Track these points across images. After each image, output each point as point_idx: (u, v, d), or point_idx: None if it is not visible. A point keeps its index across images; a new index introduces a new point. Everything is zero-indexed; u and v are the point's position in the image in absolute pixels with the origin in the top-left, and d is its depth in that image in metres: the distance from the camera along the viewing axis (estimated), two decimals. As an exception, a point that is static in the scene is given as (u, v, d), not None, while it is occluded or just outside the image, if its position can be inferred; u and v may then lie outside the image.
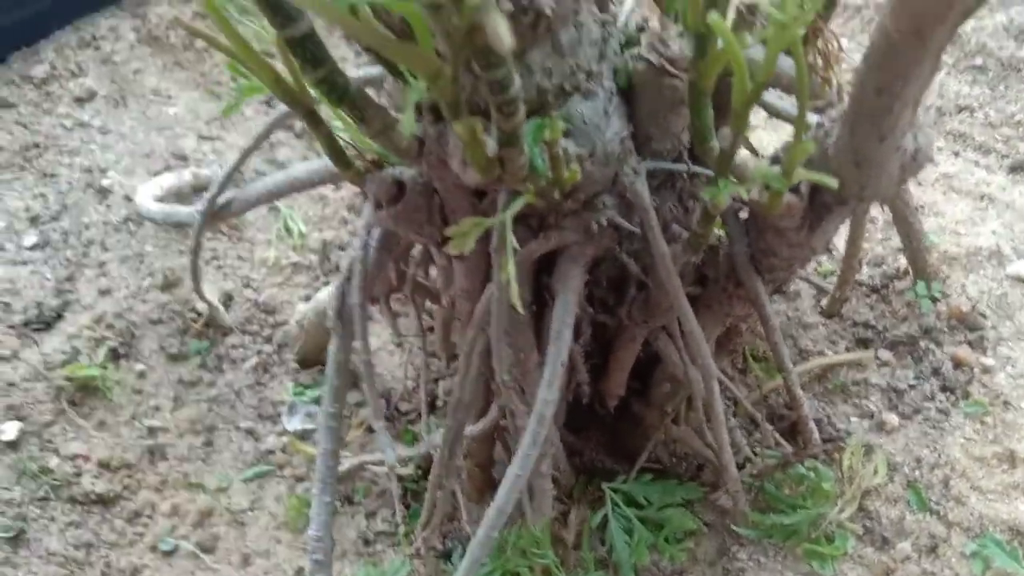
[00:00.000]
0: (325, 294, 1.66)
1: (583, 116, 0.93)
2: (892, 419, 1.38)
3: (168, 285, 1.77)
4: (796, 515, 1.25)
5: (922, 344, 1.46)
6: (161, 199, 1.72)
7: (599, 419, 1.39)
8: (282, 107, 1.32)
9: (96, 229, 1.86)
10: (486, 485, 1.42)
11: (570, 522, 1.33)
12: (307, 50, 0.75)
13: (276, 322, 1.76)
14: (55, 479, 1.49)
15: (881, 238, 1.65)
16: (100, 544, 1.44)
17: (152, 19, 2.32)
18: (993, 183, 1.79)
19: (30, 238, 1.85)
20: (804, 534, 1.25)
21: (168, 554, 1.43)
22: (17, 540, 1.42)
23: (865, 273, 1.59)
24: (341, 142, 0.97)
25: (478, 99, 0.86)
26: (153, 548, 1.44)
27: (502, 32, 0.59)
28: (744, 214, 1.10)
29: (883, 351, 1.48)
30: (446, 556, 1.37)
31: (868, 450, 1.34)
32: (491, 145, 0.81)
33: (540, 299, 1.11)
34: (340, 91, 0.80)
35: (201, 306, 1.71)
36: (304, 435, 1.59)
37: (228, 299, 1.78)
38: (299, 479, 1.53)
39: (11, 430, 1.54)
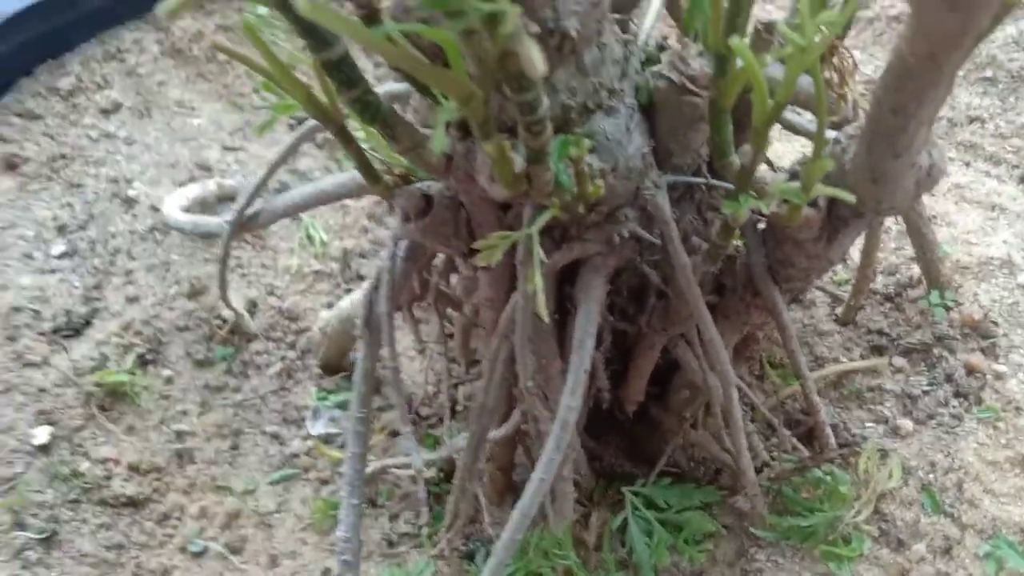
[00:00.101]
0: (347, 301, 1.68)
1: (606, 132, 0.95)
2: (906, 424, 1.39)
3: (194, 293, 1.79)
4: (813, 517, 1.26)
5: (935, 351, 1.47)
6: (187, 209, 1.74)
7: (618, 424, 1.40)
8: (309, 122, 1.36)
9: (123, 238, 1.88)
10: (507, 488, 1.43)
11: (591, 524, 1.34)
12: (342, 72, 0.78)
13: (299, 329, 1.78)
14: (86, 482, 1.50)
15: (894, 248, 1.66)
16: (131, 545, 1.45)
17: (176, 32, 2.33)
18: (1004, 193, 1.79)
19: (58, 247, 1.87)
20: (821, 536, 1.27)
21: (197, 555, 1.45)
22: (50, 541, 1.44)
23: (879, 282, 1.60)
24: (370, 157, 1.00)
25: (505, 118, 0.89)
26: (183, 549, 1.45)
27: (536, 59, 0.61)
28: (762, 225, 1.12)
29: (897, 358, 1.49)
30: (469, 557, 1.38)
31: (883, 454, 1.35)
32: (519, 162, 0.84)
33: (563, 308, 1.13)
34: (373, 110, 0.83)
35: (227, 313, 1.73)
36: (328, 439, 1.61)
37: (252, 306, 1.80)
38: (324, 482, 1.55)
39: (42, 434, 1.56)
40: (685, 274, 1.05)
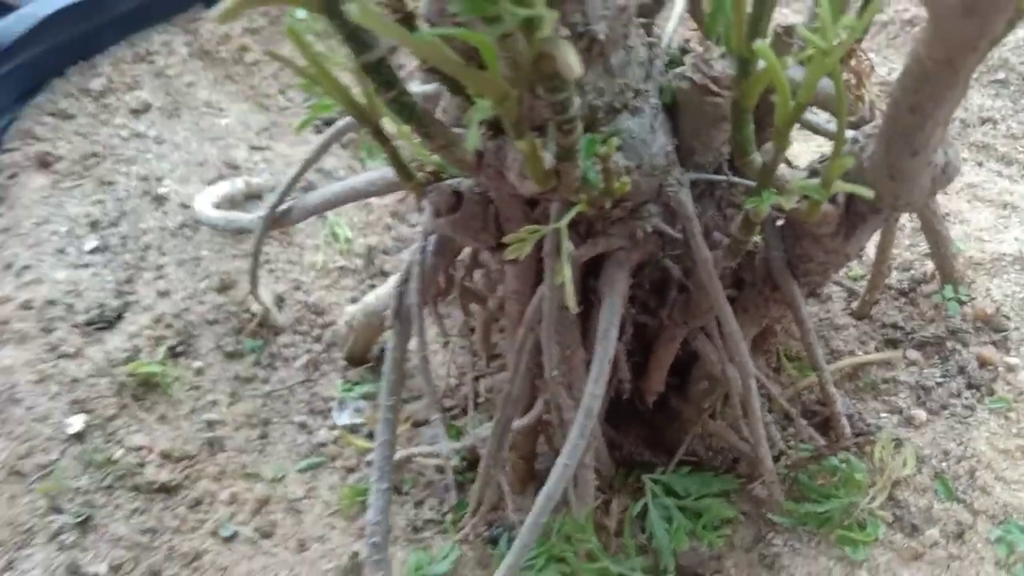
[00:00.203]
0: (371, 296, 1.70)
1: (631, 131, 0.98)
2: (920, 415, 1.41)
3: (224, 287, 1.82)
4: (829, 504, 1.28)
5: (948, 344, 1.48)
6: (216, 206, 1.76)
7: (639, 414, 1.42)
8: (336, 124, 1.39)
9: (153, 234, 1.91)
10: (529, 477, 1.45)
11: (612, 511, 1.36)
12: (381, 74, 0.80)
13: (325, 322, 1.80)
14: (120, 469, 1.52)
15: (909, 244, 1.68)
16: (163, 530, 1.47)
17: (204, 34, 2.36)
18: (1016, 192, 1.81)
19: (90, 243, 1.90)
20: (837, 521, 1.28)
21: (228, 539, 1.46)
22: (85, 525, 1.46)
23: (894, 277, 1.61)
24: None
25: (535, 117, 0.91)
26: (214, 533, 1.47)
27: (572, 61, 0.64)
28: (781, 222, 1.15)
29: (911, 351, 1.51)
30: (493, 542, 1.40)
31: (898, 444, 1.37)
32: (548, 159, 0.87)
33: (587, 301, 1.16)
34: (409, 110, 0.85)
35: (255, 307, 1.75)
36: (353, 429, 1.63)
37: (280, 301, 1.83)
38: (350, 470, 1.57)
39: (77, 423, 1.58)
40: (706, 268, 1.08)
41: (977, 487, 1.32)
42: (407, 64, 2.24)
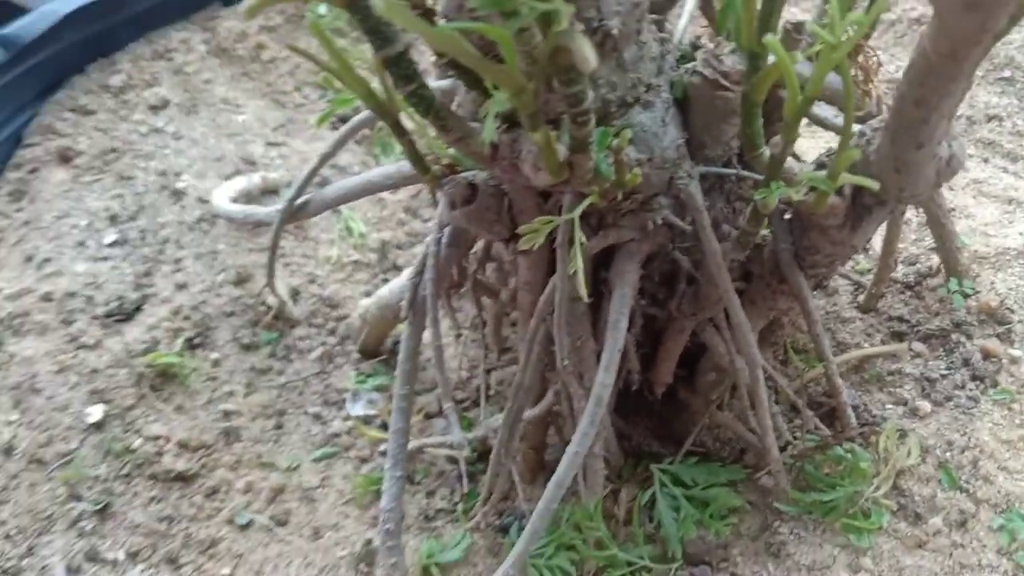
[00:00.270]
0: (385, 290, 1.71)
1: (643, 125, 0.99)
2: (925, 406, 1.42)
3: (240, 280, 1.83)
4: (834, 493, 1.29)
5: (953, 337, 1.49)
6: (234, 200, 1.78)
7: (647, 405, 1.43)
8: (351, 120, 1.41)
9: (171, 228, 1.92)
10: (539, 467, 1.46)
11: (620, 500, 1.37)
12: (401, 67, 0.82)
13: (339, 316, 1.81)
14: (138, 458, 1.54)
15: (915, 239, 1.69)
16: (180, 517, 1.48)
17: (221, 32, 2.38)
18: (1021, 188, 1.81)
19: (110, 236, 1.91)
20: (842, 510, 1.30)
21: (244, 527, 1.48)
22: (104, 513, 1.48)
23: (900, 271, 1.62)
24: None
25: (548, 110, 0.93)
26: (230, 521, 1.48)
27: (588, 54, 0.66)
28: (788, 215, 1.16)
29: (916, 343, 1.52)
30: (503, 530, 1.41)
31: (902, 434, 1.38)
32: (562, 151, 0.88)
33: (597, 292, 1.17)
34: (427, 103, 0.87)
35: (271, 300, 1.76)
36: (367, 420, 1.64)
37: (295, 294, 1.84)
38: (364, 460, 1.58)
39: (97, 412, 1.60)
40: (715, 260, 1.09)
41: (980, 476, 1.33)
42: (421, 61, 2.25)
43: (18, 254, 1.88)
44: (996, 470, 1.33)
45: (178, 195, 2.00)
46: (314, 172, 1.38)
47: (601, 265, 1.16)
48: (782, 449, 1.30)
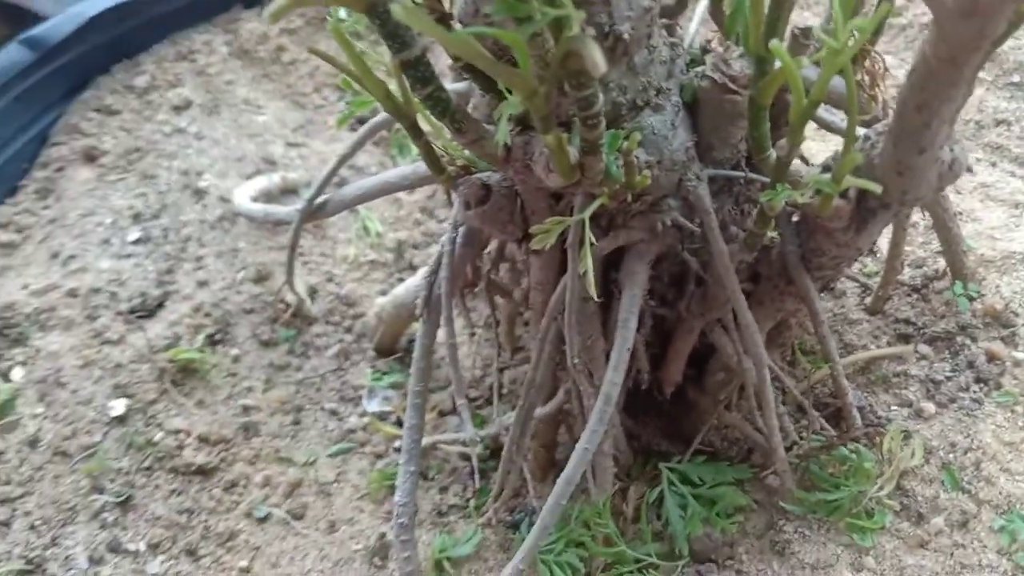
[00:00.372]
0: (401, 288, 1.72)
1: (652, 128, 1.01)
2: (929, 407, 1.42)
3: (260, 278, 1.85)
4: (839, 492, 1.29)
5: (958, 339, 1.49)
6: (254, 199, 1.80)
7: (656, 405, 1.44)
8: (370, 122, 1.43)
9: (193, 227, 1.94)
10: (550, 465, 1.47)
11: (629, 498, 1.38)
12: (419, 71, 0.84)
13: (356, 314, 1.83)
14: (159, 451, 1.56)
15: (922, 242, 1.69)
16: (200, 510, 1.50)
17: (243, 34, 2.40)
18: (1027, 192, 1.81)
19: (133, 234, 1.94)
20: (846, 510, 1.30)
21: (261, 520, 1.49)
22: (126, 505, 1.50)
23: (907, 274, 1.62)
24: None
25: (560, 113, 0.95)
26: (248, 515, 1.50)
27: (598, 59, 0.67)
28: (796, 217, 1.17)
29: (922, 346, 1.52)
30: (515, 526, 1.42)
31: (906, 435, 1.38)
32: (573, 153, 0.90)
33: (607, 292, 1.18)
34: (444, 105, 0.89)
35: (290, 298, 1.78)
36: (382, 416, 1.65)
37: (313, 292, 1.85)
38: (379, 456, 1.59)
39: (119, 407, 1.62)
40: (723, 261, 1.10)
41: (982, 478, 1.33)
42: (437, 64, 2.27)
43: (44, 251, 1.91)
44: (998, 471, 1.33)
45: (200, 194, 2.02)
46: (332, 173, 1.40)
47: (611, 265, 1.17)
48: (788, 449, 1.31)
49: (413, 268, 1.92)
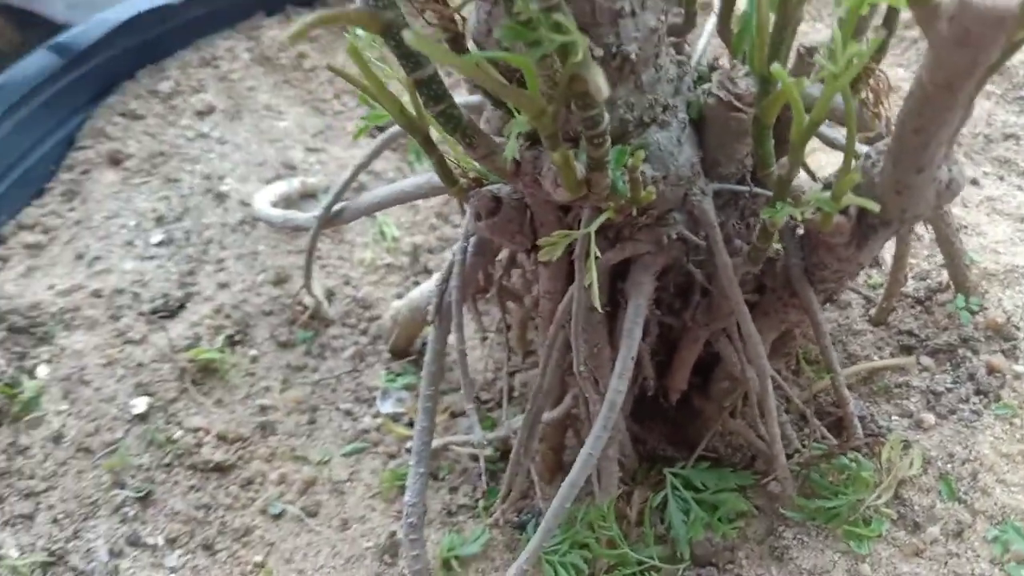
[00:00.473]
0: (416, 292, 1.73)
1: (659, 144, 1.02)
2: (929, 418, 1.43)
3: (279, 281, 1.87)
4: (838, 500, 1.30)
5: (960, 352, 1.50)
6: (274, 204, 1.81)
7: (662, 411, 1.45)
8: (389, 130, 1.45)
9: (215, 230, 1.97)
10: (558, 468, 1.48)
11: (633, 501, 1.38)
12: (431, 89, 0.86)
13: (371, 316, 1.83)
14: (179, 448, 1.58)
15: (927, 255, 1.69)
16: (217, 506, 1.51)
17: (265, 41, 2.42)
18: (1035, 206, 1.81)
19: (156, 236, 1.96)
20: (844, 517, 1.31)
21: (276, 517, 1.51)
22: (146, 500, 1.52)
23: (911, 286, 1.63)
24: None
25: (569, 129, 0.97)
26: (263, 511, 1.51)
27: (601, 84, 0.69)
28: (800, 231, 1.18)
29: (924, 357, 1.52)
30: (521, 527, 1.44)
31: (906, 445, 1.38)
32: (580, 169, 0.92)
33: (614, 301, 1.19)
34: (455, 121, 0.90)
35: (308, 300, 1.80)
36: (395, 417, 1.66)
37: (330, 295, 1.86)
38: (391, 456, 1.60)
39: (141, 404, 1.64)
40: (727, 273, 1.11)
41: (978, 488, 1.33)
42: (454, 74, 2.29)
43: (70, 252, 1.94)
44: (994, 483, 1.33)
45: (221, 198, 2.04)
46: (349, 181, 1.42)
47: (618, 276, 1.18)
48: (790, 456, 1.32)
49: (428, 272, 1.93)
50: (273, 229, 1.92)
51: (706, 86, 1.06)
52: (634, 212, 1.02)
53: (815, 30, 2.33)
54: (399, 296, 1.84)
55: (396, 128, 1.41)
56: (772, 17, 0.87)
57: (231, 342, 1.77)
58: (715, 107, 1.04)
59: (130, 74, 2.31)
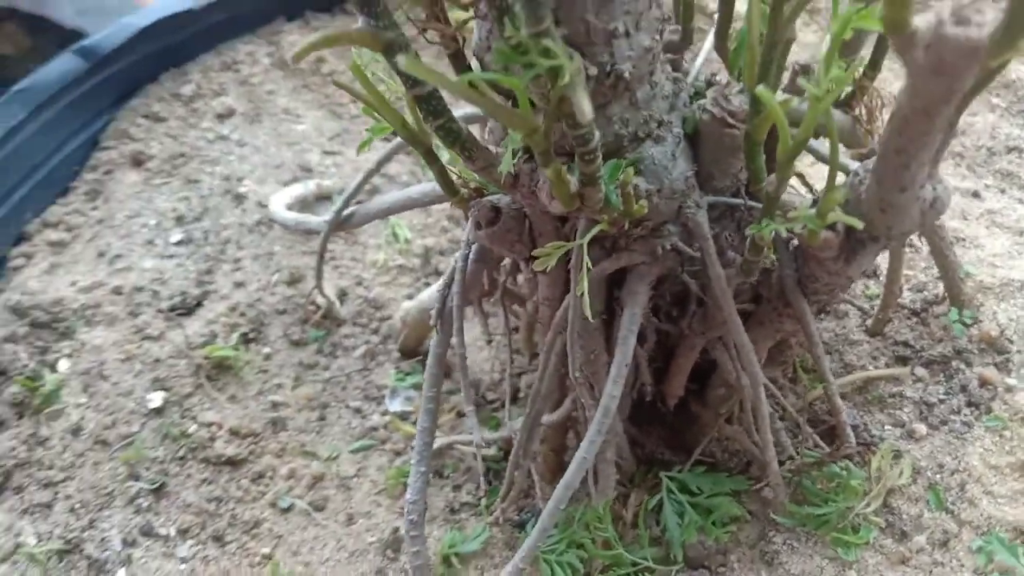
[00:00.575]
0: (426, 294, 1.75)
1: (653, 158, 1.04)
2: (921, 428, 1.44)
3: (293, 281, 1.89)
4: (827, 507, 1.31)
5: (953, 364, 1.50)
6: (290, 206, 1.82)
7: (660, 416, 1.46)
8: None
9: (232, 230, 1.99)
10: (559, 468, 1.49)
11: (629, 504, 1.40)
12: (430, 104, 0.88)
13: (382, 316, 1.85)
14: (192, 442, 1.60)
15: (924, 267, 1.70)
16: (228, 499, 1.53)
17: (284, 46, 2.44)
18: (1034, 220, 1.81)
19: (176, 235, 1.99)
20: (833, 524, 1.32)
21: (285, 510, 1.53)
22: (159, 492, 1.54)
23: (907, 298, 1.63)
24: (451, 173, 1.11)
25: (565, 144, 0.98)
26: (272, 505, 1.53)
27: (585, 108, 0.71)
28: (795, 242, 1.19)
29: (919, 368, 1.53)
30: (521, 526, 1.45)
31: (897, 455, 1.39)
32: (573, 183, 0.93)
33: (611, 309, 1.20)
34: (454, 135, 0.93)
35: (320, 300, 1.81)
36: (403, 416, 1.67)
37: (342, 295, 1.88)
38: (398, 453, 1.61)
39: (157, 399, 1.67)
40: (720, 284, 1.12)
41: (966, 499, 1.34)
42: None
43: (92, 249, 1.97)
44: (981, 494, 1.34)
45: (240, 199, 2.06)
46: (360, 186, 1.44)
47: (615, 284, 1.19)
48: (783, 463, 1.33)
49: (439, 274, 1.94)
50: (288, 231, 1.94)
51: (701, 102, 1.07)
52: (626, 225, 1.03)
53: (819, 37, 2.33)
54: (410, 297, 1.86)
55: (405, 136, 1.43)
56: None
57: (245, 340, 1.79)
58: (709, 123, 1.06)
59: (153, 77, 2.34)
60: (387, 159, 1.44)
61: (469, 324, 1.68)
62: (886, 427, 1.45)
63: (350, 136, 2.29)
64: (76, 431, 1.62)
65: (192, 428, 1.63)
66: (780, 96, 0.94)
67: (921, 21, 0.67)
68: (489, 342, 1.77)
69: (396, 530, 1.47)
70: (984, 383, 1.47)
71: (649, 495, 1.39)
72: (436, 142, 0.99)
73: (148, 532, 1.50)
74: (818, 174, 1.61)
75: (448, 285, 1.28)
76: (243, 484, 1.57)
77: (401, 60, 0.66)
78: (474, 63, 1.01)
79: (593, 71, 0.93)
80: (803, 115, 0.90)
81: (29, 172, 2.04)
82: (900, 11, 0.65)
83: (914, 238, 1.68)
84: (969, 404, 1.45)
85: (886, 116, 1.15)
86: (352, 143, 2.27)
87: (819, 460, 1.33)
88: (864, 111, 1.14)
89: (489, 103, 0.78)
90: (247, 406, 1.69)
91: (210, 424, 1.64)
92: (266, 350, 1.79)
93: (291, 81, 2.41)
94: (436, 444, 1.52)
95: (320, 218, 1.53)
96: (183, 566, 1.45)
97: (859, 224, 0.88)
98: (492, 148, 1.01)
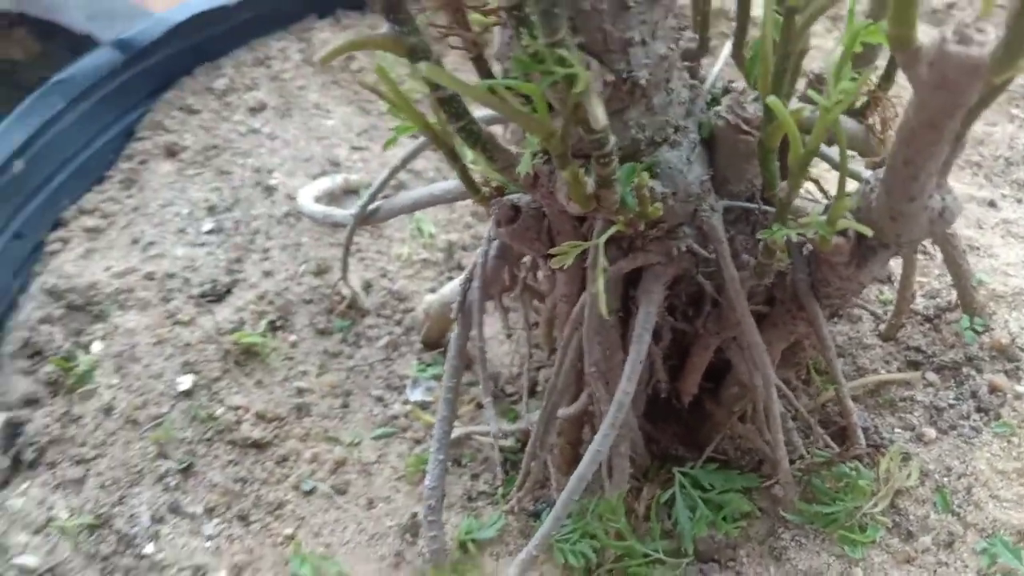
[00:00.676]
0: (448, 287, 1.76)
1: (669, 162, 1.06)
2: (930, 432, 1.45)
3: (320, 271, 1.91)
4: (836, 506, 1.33)
5: (964, 370, 1.51)
6: (318, 199, 1.83)
7: (675, 413, 1.47)
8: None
9: (262, 221, 2.01)
10: (574, 461, 1.48)
11: (642, 497, 1.42)
12: (452, 106, 0.91)
13: (406, 308, 1.86)
14: (220, 425, 1.62)
15: (938, 273, 1.70)
16: (253, 480, 1.56)
17: (315, 43, 2.46)
18: (1050, 230, 1.79)
19: (207, 224, 2.01)
20: (841, 522, 1.33)
21: (308, 493, 1.55)
22: (187, 471, 1.57)
23: (921, 304, 1.64)
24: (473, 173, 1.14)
25: (583, 146, 1.01)
26: (296, 487, 1.55)
27: (599, 115, 0.74)
28: (808, 247, 1.20)
29: (930, 373, 1.53)
30: (536, 515, 1.47)
31: (906, 457, 1.40)
32: (590, 185, 0.96)
33: (627, 307, 1.23)
34: (475, 136, 0.95)
35: (345, 291, 1.83)
36: (424, 406, 1.69)
37: (367, 286, 1.89)
38: (418, 441, 1.63)
39: (186, 382, 1.69)
40: (734, 286, 1.14)
41: (972, 502, 1.35)
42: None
43: (126, 236, 2.00)
44: (987, 498, 1.35)
45: (270, 191, 2.08)
46: (385, 182, 1.47)
47: (631, 283, 1.21)
48: (793, 462, 1.35)
49: (462, 268, 1.95)
50: (316, 224, 1.97)
51: (717, 108, 1.09)
52: (643, 226, 1.05)
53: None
54: (433, 290, 1.87)
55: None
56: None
57: (273, 327, 1.81)
58: (724, 129, 1.07)
59: (188, 71, 2.36)
60: (413, 156, 1.47)
61: (490, 319, 1.74)
62: (896, 430, 1.46)
63: (378, 132, 2.30)
64: (108, 411, 1.65)
65: (219, 411, 1.65)
66: (794, 104, 0.96)
67: (926, 37, 0.69)
68: (509, 336, 1.78)
69: (415, 515, 1.49)
70: (994, 390, 1.47)
71: (662, 490, 1.41)
72: (458, 142, 1.02)
73: (176, 510, 1.53)
74: (834, 179, 1.62)
75: (469, 280, 1.31)
76: (268, 466, 1.59)
77: (421, 68, 0.69)
78: (496, 67, 1.03)
79: (610, 78, 0.95)
80: (814, 123, 0.92)
81: (66, 161, 2.07)
82: (904, 29, 0.67)
83: (928, 245, 1.68)
84: (978, 410, 1.45)
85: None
86: (379, 139, 2.28)
87: (829, 460, 1.35)
88: (878, 120, 1.15)
89: (507, 108, 0.80)
90: (273, 391, 1.71)
91: (237, 408, 1.66)
92: (292, 338, 1.80)
93: (321, 77, 2.43)
94: (455, 434, 1.53)
95: (347, 211, 1.56)
96: (209, 543, 1.48)
97: (868, 231, 0.89)
98: (513, 148, 1.03)
